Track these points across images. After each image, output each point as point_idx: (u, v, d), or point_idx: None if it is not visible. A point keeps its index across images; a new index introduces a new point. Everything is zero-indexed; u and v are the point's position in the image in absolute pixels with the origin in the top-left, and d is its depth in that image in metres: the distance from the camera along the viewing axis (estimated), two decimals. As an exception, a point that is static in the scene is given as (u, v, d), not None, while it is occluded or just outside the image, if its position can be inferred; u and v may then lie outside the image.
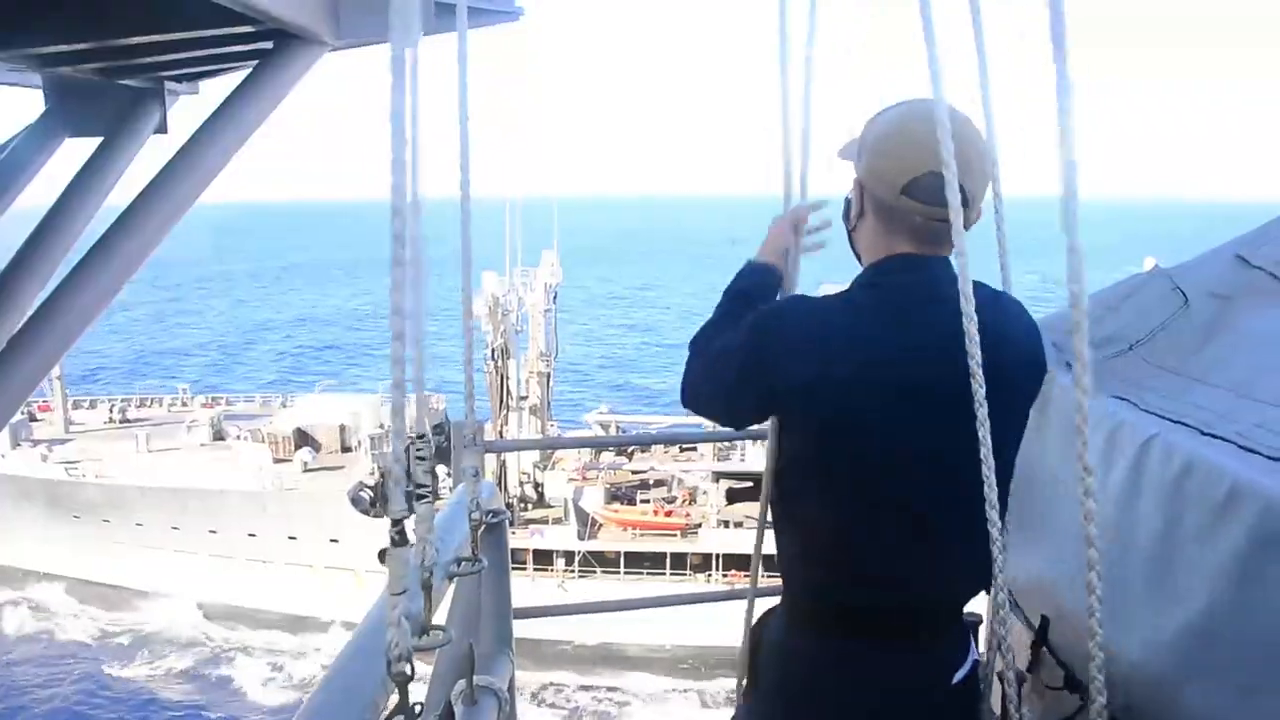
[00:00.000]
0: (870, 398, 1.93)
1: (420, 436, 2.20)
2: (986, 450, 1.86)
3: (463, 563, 2.57)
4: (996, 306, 2.06)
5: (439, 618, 2.29)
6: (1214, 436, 2.14)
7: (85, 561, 36.20)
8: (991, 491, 1.90)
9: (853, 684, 2.05)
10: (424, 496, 2.17)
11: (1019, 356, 1.99)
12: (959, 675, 2.12)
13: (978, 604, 2.49)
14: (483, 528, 2.91)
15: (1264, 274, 2.75)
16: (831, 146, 2.24)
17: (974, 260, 2.02)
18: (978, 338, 1.86)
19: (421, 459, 2.20)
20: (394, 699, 1.77)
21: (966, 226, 1.99)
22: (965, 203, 1.93)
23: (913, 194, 1.95)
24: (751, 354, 2.03)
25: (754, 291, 2.38)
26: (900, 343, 1.94)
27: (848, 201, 2.20)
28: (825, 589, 2.09)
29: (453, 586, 2.81)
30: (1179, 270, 2.98)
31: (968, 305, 1.80)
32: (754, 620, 2.45)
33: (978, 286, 2.10)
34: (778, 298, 2.39)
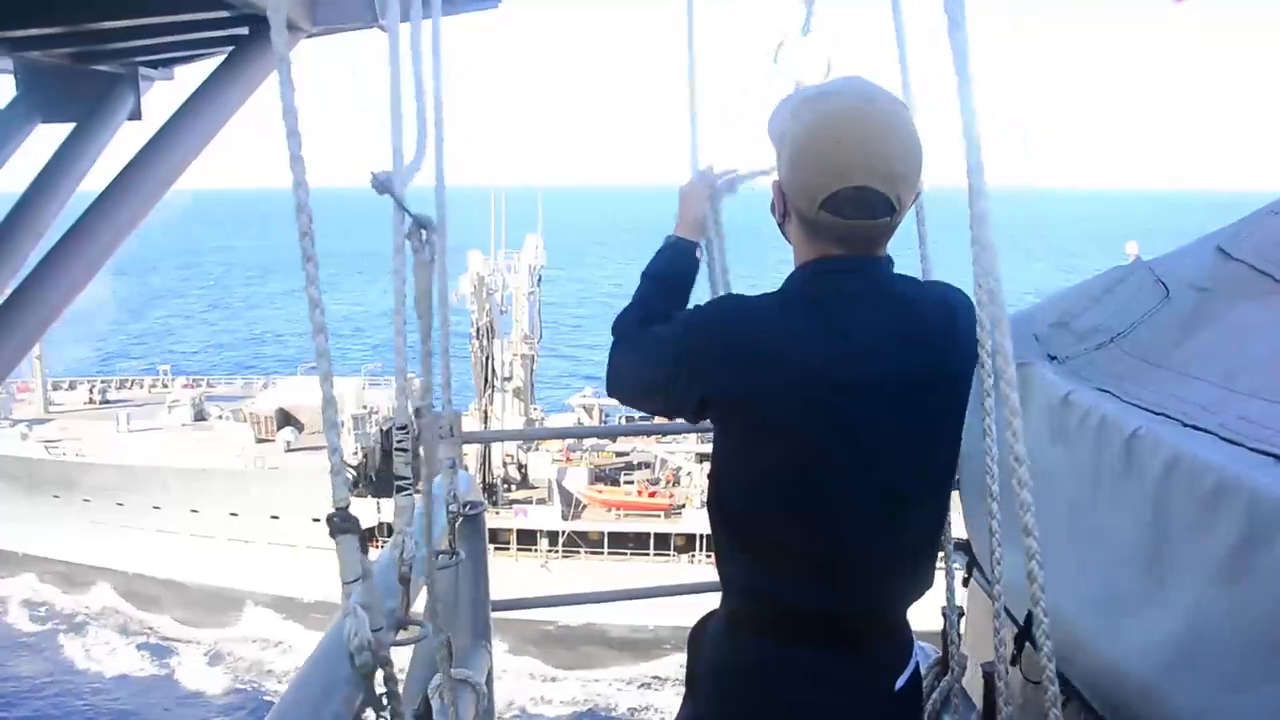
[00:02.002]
0: (804, 404, 1.88)
1: (402, 427, 2.16)
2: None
3: (440, 555, 2.55)
4: (946, 306, 2.03)
5: (417, 611, 2.26)
6: (1197, 429, 2.13)
7: (65, 541, 36.05)
8: (994, 483, 1.89)
9: (790, 689, 2.01)
10: (405, 489, 2.14)
11: (967, 356, 1.91)
12: (900, 682, 2.08)
13: (958, 599, 2.48)
14: (460, 520, 2.88)
15: (1245, 266, 2.73)
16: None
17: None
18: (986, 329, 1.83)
19: (402, 450, 2.16)
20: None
21: (893, 228, 1.95)
22: (892, 210, 1.88)
23: (831, 209, 1.87)
24: (681, 363, 1.99)
25: (673, 272, 2.35)
26: (836, 347, 1.89)
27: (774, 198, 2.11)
28: (763, 592, 2.04)
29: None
30: (1160, 262, 2.97)
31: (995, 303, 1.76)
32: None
33: (924, 285, 2.08)
34: (703, 262, 2.42)
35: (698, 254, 2.45)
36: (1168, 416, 2.24)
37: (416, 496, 2.19)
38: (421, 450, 2.39)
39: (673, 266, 2.36)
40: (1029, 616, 2.56)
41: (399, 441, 2.16)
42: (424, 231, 2.04)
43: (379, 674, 1.66)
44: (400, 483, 2.12)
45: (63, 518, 35.78)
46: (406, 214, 1.96)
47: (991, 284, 1.61)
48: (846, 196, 1.85)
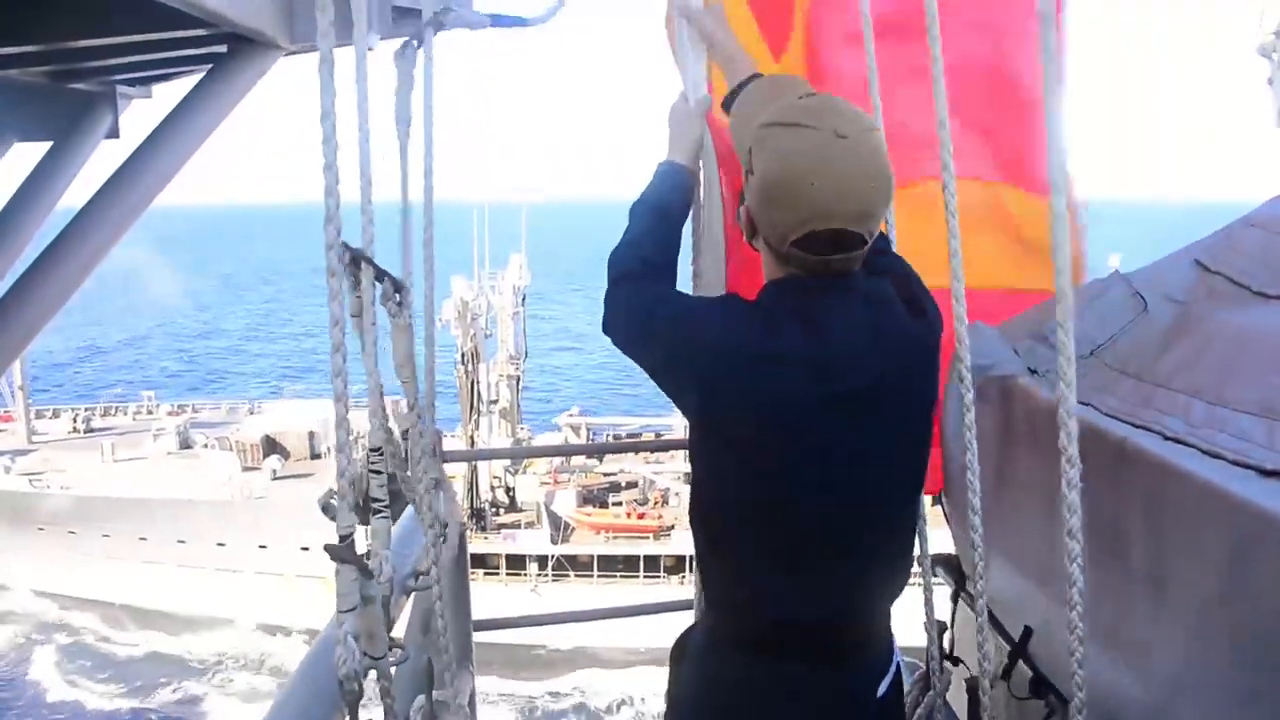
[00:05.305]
0: (791, 418, 1.86)
1: (376, 450, 2.15)
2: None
3: (420, 577, 2.53)
4: (916, 303, 2.04)
5: (398, 633, 2.24)
6: (1179, 442, 2.12)
7: (51, 574, 35.67)
8: (975, 497, 1.88)
9: (774, 703, 1.98)
10: (380, 511, 2.12)
11: (933, 362, 1.94)
12: (883, 688, 2.06)
13: (942, 612, 2.47)
14: (441, 540, 2.86)
15: (1223, 279, 2.73)
16: None
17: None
18: (967, 339, 1.83)
19: (377, 473, 2.14)
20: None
21: (865, 253, 1.92)
22: (863, 243, 1.87)
23: (803, 247, 1.85)
24: (671, 365, 1.98)
25: (668, 202, 2.27)
26: (820, 361, 1.86)
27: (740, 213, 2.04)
28: (744, 605, 2.01)
29: (410, 601, 2.76)
30: (1138, 275, 2.96)
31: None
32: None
33: (891, 284, 2.05)
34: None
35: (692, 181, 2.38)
36: (1148, 429, 2.23)
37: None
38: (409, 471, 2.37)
39: (668, 195, 2.28)
40: (1026, 632, 2.54)
41: (373, 464, 2.14)
42: (399, 294, 1.94)
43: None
44: (375, 505, 2.11)
45: (48, 550, 35.39)
46: (381, 278, 1.86)
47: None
48: (819, 237, 1.83)
